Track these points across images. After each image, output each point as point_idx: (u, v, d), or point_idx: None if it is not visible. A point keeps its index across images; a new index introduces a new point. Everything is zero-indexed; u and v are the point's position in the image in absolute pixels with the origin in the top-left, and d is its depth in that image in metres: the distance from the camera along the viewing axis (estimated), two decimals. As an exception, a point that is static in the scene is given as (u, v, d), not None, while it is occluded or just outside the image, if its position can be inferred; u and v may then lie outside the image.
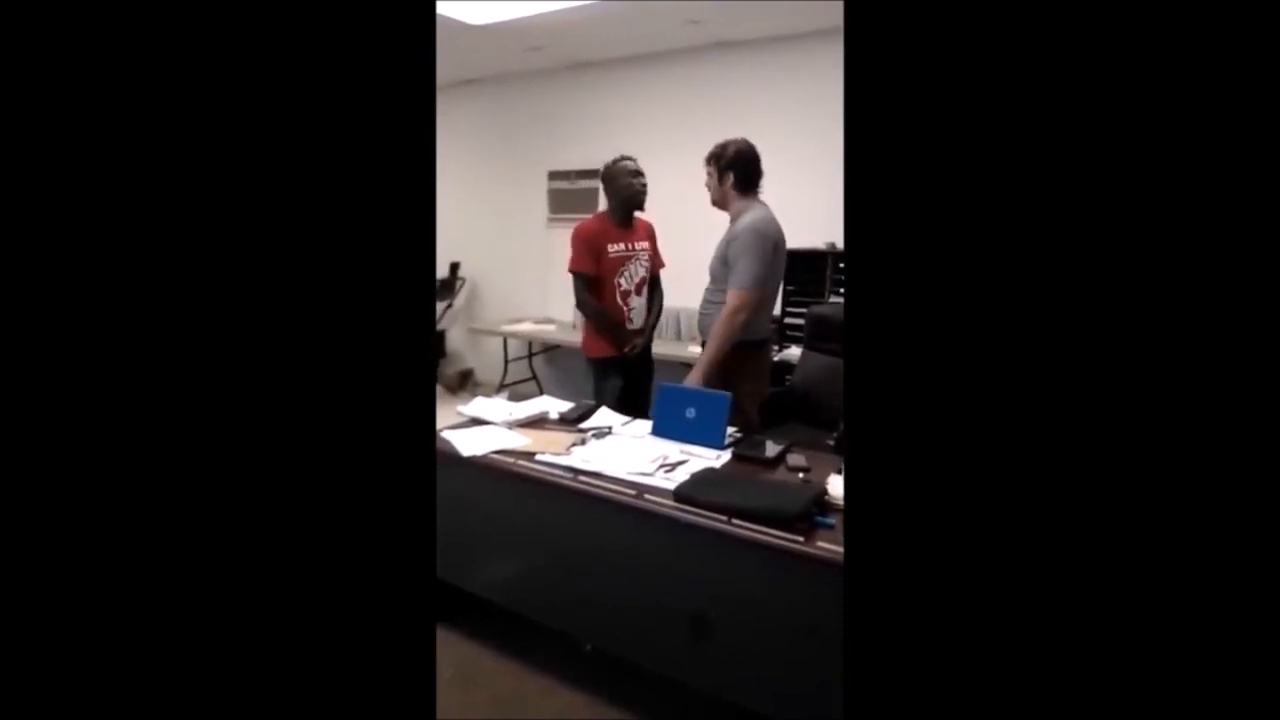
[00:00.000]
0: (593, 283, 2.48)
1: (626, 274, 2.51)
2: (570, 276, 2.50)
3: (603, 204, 2.63)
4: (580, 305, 2.52)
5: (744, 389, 2.14)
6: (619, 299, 2.51)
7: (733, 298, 2.07)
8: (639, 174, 2.49)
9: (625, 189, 2.47)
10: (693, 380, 2.12)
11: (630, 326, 2.55)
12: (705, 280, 2.26)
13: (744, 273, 2.05)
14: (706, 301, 2.24)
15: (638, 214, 2.55)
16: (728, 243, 2.13)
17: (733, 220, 2.16)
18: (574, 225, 2.55)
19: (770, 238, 2.08)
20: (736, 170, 2.13)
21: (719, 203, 2.21)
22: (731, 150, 2.13)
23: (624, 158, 2.52)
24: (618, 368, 2.53)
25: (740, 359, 2.16)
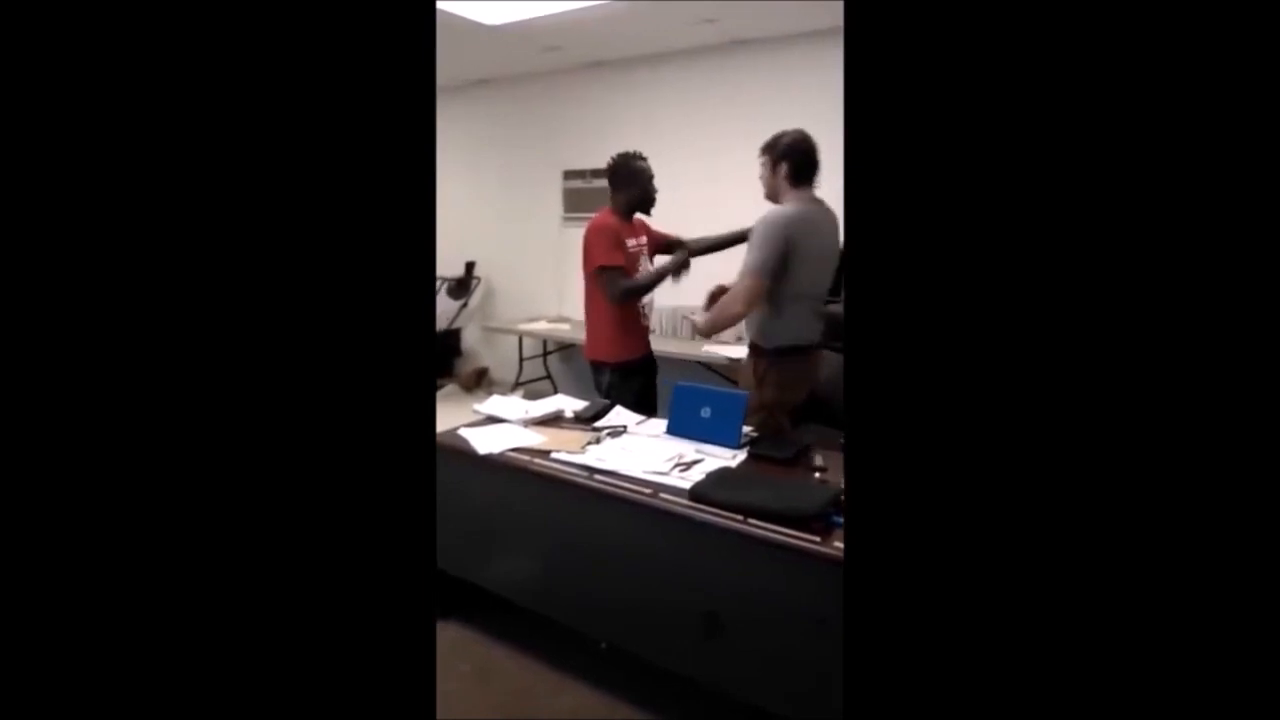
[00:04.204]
0: (618, 276, 2.39)
1: (640, 270, 2.49)
2: (579, 278, 2.42)
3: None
4: (625, 295, 2.37)
5: (774, 396, 2.07)
6: None
7: (735, 285, 2.02)
8: (653, 178, 2.46)
9: (642, 192, 2.44)
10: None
11: (644, 323, 2.52)
12: (716, 280, 2.24)
13: (748, 257, 1.99)
14: None
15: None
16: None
17: None
18: (587, 225, 2.48)
19: (779, 226, 1.98)
20: (791, 161, 2.04)
21: (771, 195, 2.12)
22: (785, 141, 2.06)
23: (639, 157, 2.47)
24: (636, 370, 2.49)
25: (777, 363, 2.08)
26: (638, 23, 3.35)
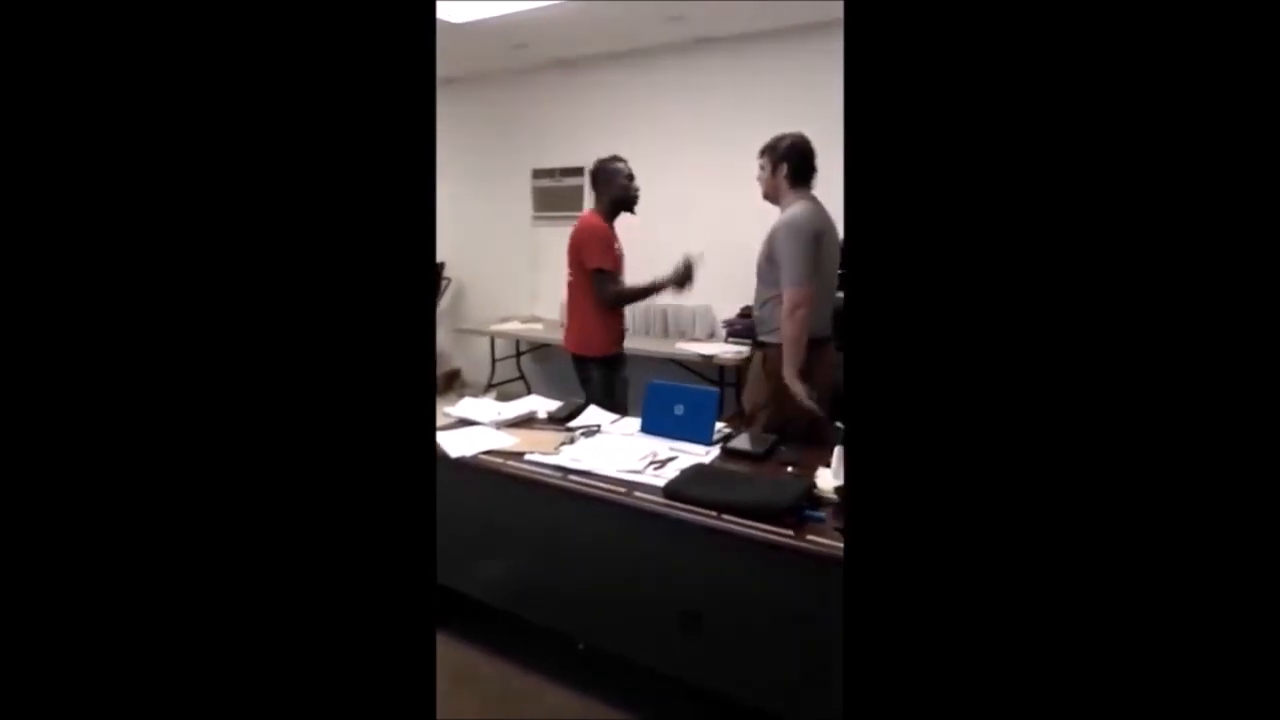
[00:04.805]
0: (611, 279, 2.47)
1: (621, 275, 2.57)
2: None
3: (588, 201, 2.63)
4: (617, 300, 2.51)
5: (787, 392, 2.04)
6: None
7: (787, 298, 2.00)
8: (633, 177, 2.51)
9: (622, 190, 2.49)
10: (798, 391, 2.03)
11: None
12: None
13: (791, 268, 1.99)
14: (759, 303, 2.18)
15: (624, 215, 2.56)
16: (769, 240, 2.07)
17: (781, 214, 2.11)
18: (577, 224, 2.52)
19: (808, 229, 2.01)
20: (791, 162, 2.09)
21: (770, 195, 2.16)
22: (787, 143, 2.10)
23: (617, 158, 2.52)
24: (615, 364, 2.58)
25: (782, 359, 2.05)
26: (604, 21, 3.35)
